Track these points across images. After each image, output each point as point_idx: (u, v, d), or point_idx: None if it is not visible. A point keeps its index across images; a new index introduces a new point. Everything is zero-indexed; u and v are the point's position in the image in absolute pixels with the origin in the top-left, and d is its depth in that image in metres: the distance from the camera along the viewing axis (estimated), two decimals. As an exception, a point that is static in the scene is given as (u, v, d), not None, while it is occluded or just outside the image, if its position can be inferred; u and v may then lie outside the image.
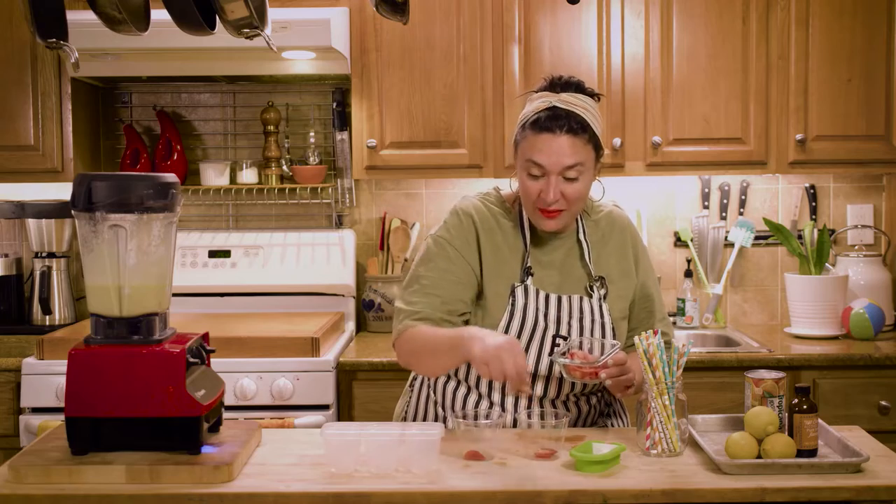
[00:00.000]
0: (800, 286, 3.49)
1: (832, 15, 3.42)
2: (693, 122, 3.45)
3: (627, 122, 3.46)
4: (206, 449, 1.98)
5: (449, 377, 2.33)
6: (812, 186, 3.79)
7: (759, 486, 1.87)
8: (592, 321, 2.26)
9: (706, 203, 3.80)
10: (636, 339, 2.09)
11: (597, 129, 2.22)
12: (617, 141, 3.44)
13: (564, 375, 2.13)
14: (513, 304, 2.24)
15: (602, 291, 2.29)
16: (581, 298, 2.27)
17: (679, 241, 3.82)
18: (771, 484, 1.87)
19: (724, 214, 3.81)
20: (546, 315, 2.24)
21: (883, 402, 3.18)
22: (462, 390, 2.31)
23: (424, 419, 2.38)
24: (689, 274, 3.73)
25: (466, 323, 2.26)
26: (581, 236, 2.32)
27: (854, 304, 3.47)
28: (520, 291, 2.25)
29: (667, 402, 2.04)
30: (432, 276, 2.25)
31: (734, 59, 3.44)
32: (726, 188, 3.80)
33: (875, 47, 3.42)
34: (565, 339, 2.20)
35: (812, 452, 2.00)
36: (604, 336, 2.25)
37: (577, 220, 2.33)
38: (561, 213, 2.22)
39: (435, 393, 2.37)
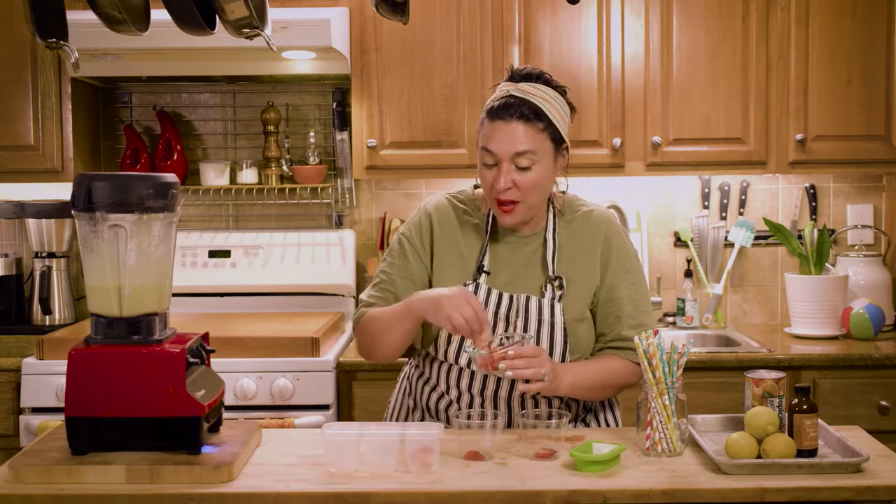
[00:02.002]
0: (800, 286, 3.49)
1: (832, 15, 3.42)
2: (693, 122, 3.46)
3: (627, 122, 3.46)
4: (206, 449, 1.98)
5: (427, 379, 2.33)
6: (812, 186, 3.79)
7: (759, 486, 1.87)
8: (540, 321, 2.22)
9: (706, 203, 3.80)
10: (636, 338, 2.09)
11: (555, 120, 2.18)
12: (617, 141, 3.44)
13: (474, 368, 2.13)
14: None
15: (559, 292, 2.24)
16: (529, 298, 2.23)
17: (679, 241, 3.82)
18: (771, 484, 1.87)
19: (724, 214, 3.81)
20: (496, 314, 2.23)
21: (883, 402, 3.18)
22: (427, 388, 2.32)
23: (399, 413, 2.41)
24: (689, 274, 3.73)
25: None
26: (549, 235, 2.28)
27: (854, 304, 3.47)
28: (469, 290, 2.24)
29: (667, 402, 2.04)
30: (390, 273, 2.31)
31: (734, 59, 3.44)
32: (726, 188, 3.80)
33: (875, 47, 3.42)
34: (510, 338, 2.17)
35: (812, 452, 2.00)
36: (552, 337, 2.22)
37: (549, 218, 2.30)
38: (516, 205, 2.19)
39: (411, 387, 2.38)
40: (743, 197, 3.81)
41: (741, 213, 3.81)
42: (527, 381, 2.07)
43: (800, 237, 3.66)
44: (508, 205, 2.19)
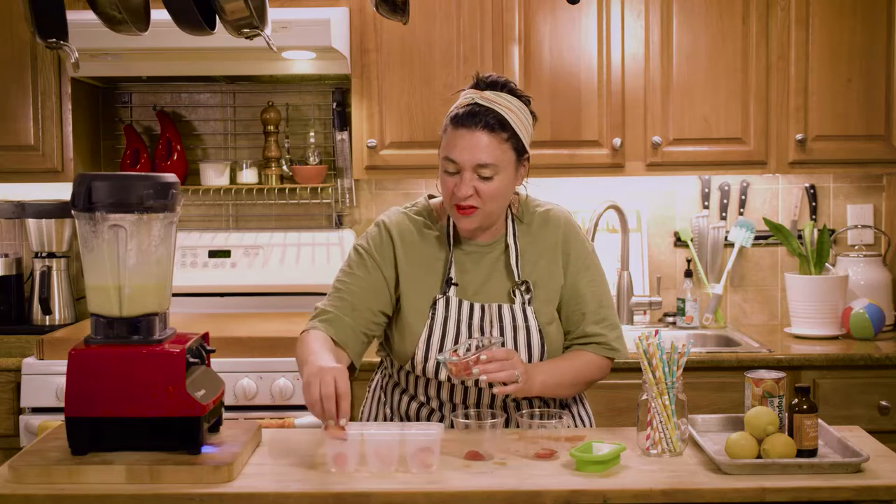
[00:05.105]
0: (800, 286, 3.49)
1: (832, 15, 3.42)
2: (693, 122, 3.45)
3: (627, 122, 3.46)
4: (206, 449, 1.98)
5: (405, 389, 2.33)
6: (812, 186, 3.79)
7: (759, 486, 1.87)
8: (515, 327, 2.22)
9: (706, 203, 3.80)
10: (635, 339, 2.09)
11: (519, 130, 2.18)
12: (617, 141, 3.44)
13: (451, 377, 2.12)
14: (433, 317, 2.23)
15: (527, 296, 2.24)
16: (501, 306, 2.24)
17: (679, 241, 3.82)
18: (771, 484, 1.88)
19: (724, 214, 3.81)
20: (470, 325, 2.23)
21: (883, 402, 3.18)
22: (406, 398, 2.33)
23: (375, 419, 2.41)
24: (689, 274, 3.73)
25: (377, 333, 2.27)
26: (510, 240, 2.28)
27: (854, 304, 3.47)
28: (441, 303, 2.24)
29: (667, 402, 2.04)
30: (347, 283, 2.28)
31: (734, 59, 3.44)
32: (726, 188, 3.80)
33: (875, 47, 3.42)
34: (480, 344, 2.15)
35: (812, 452, 2.00)
36: (529, 342, 2.22)
37: (508, 223, 2.30)
38: (475, 210, 2.18)
39: (386, 396, 2.39)
40: (743, 197, 3.81)
41: (741, 213, 3.81)
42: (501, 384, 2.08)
43: (800, 237, 3.66)
44: (468, 208, 2.18)
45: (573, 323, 2.29)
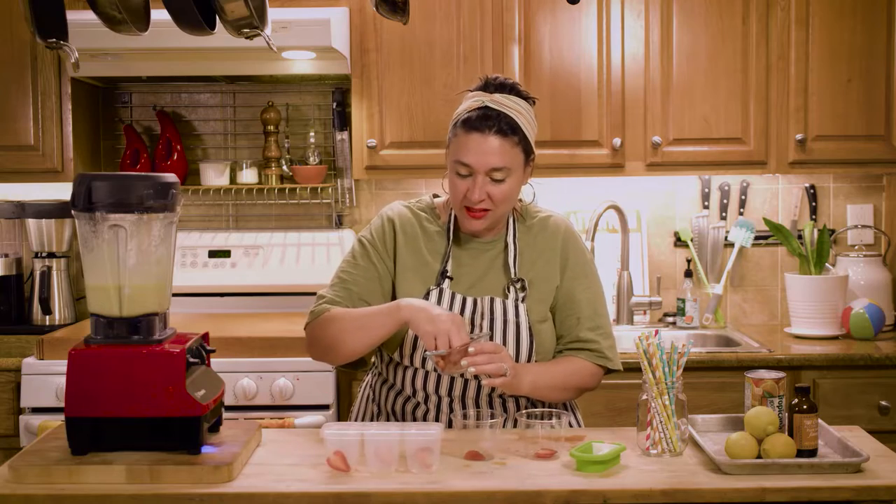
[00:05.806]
0: (800, 286, 3.49)
1: (832, 15, 3.42)
2: (693, 122, 3.46)
3: (627, 122, 3.46)
4: (206, 449, 1.98)
5: (392, 385, 2.34)
6: (812, 186, 3.79)
7: (759, 486, 1.87)
8: (505, 322, 2.24)
9: (706, 203, 3.80)
10: (635, 339, 2.09)
11: (528, 132, 2.21)
12: (617, 141, 3.44)
13: (438, 371, 2.13)
14: None
15: (521, 294, 2.26)
16: (493, 300, 2.25)
17: (679, 241, 3.82)
18: (771, 484, 1.88)
19: (724, 214, 3.81)
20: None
21: (883, 402, 3.18)
22: (392, 394, 2.33)
23: (363, 418, 2.42)
24: (689, 274, 3.73)
25: None
26: (510, 239, 2.30)
27: (854, 304, 3.47)
28: (434, 295, 2.25)
29: (667, 402, 2.04)
30: (351, 272, 2.30)
31: (734, 59, 3.44)
32: (726, 188, 3.80)
33: (875, 47, 3.42)
34: (471, 337, 2.16)
35: (812, 452, 2.00)
36: (518, 337, 2.23)
37: (509, 223, 2.32)
38: (487, 213, 2.21)
39: (375, 394, 2.39)
40: (743, 197, 3.81)
41: (741, 213, 3.81)
42: (489, 378, 2.09)
43: (800, 237, 3.66)
44: (479, 212, 2.21)
45: (567, 327, 2.30)
